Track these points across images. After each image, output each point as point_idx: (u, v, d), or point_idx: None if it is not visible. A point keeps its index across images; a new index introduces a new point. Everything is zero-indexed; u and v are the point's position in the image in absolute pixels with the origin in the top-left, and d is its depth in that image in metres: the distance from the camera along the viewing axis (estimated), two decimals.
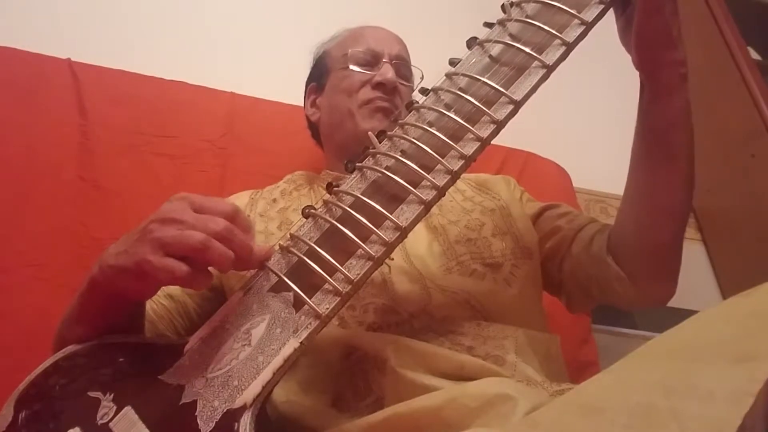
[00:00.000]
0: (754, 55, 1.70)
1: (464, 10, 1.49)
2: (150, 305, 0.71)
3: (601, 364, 1.09)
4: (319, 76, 0.95)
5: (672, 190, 0.66)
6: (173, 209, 0.50)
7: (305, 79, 0.99)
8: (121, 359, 0.53)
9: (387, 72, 0.84)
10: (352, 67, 0.86)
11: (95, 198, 0.99)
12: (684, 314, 0.40)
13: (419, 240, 0.72)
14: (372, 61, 0.87)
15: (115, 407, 0.49)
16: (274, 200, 0.84)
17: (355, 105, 0.84)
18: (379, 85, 0.84)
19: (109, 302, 0.54)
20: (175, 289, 0.75)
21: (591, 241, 0.75)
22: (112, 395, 0.50)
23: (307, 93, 0.98)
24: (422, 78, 0.92)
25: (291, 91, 1.05)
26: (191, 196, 0.52)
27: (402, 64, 0.89)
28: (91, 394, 0.50)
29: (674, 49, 0.59)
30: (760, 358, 0.32)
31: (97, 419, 0.49)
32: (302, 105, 0.98)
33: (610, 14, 0.55)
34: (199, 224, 0.49)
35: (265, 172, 1.02)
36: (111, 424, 0.48)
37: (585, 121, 1.55)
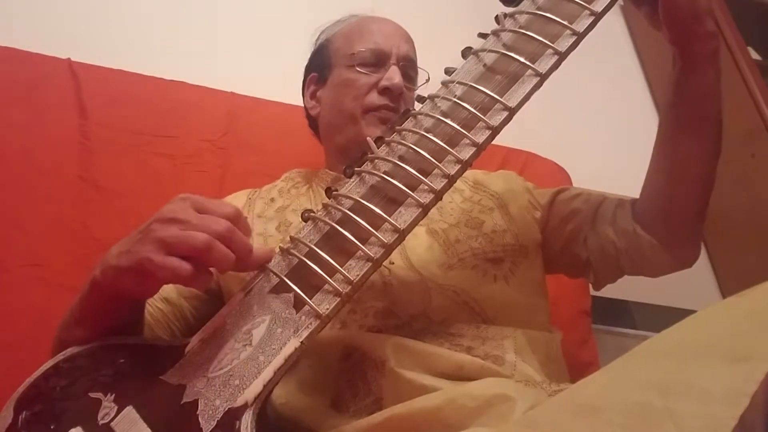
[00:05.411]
0: (754, 55, 1.70)
1: (464, 10, 1.50)
2: (147, 309, 0.70)
3: (601, 364, 1.09)
4: (320, 66, 0.91)
5: (705, 159, 0.68)
6: (175, 209, 0.50)
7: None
8: (121, 360, 0.53)
9: (394, 76, 0.81)
10: (358, 68, 0.83)
11: (95, 198, 0.99)
12: (683, 314, 0.40)
13: (420, 243, 0.72)
14: (379, 61, 0.84)
15: (116, 407, 0.49)
16: (272, 199, 0.83)
17: (359, 110, 0.82)
18: (385, 91, 0.81)
19: (110, 304, 0.54)
20: (171, 293, 0.75)
21: (614, 216, 0.76)
22: (113, 396, 0.50)
23: (307, 83, 0.94)
24: (428, 80, 0.89)
25: (291, 91, 1.04)
26: (193, 196, 0.52)
27: (409, 66, 0.86)
28: (92, 394, 0.50)
29: (703, 22, 0.61)
30: (757, 358, 0.32)
31: (99, 419, 0.49)
32: (302, 105, 0.96)
33: (603, 21, 0.56)
34: (201, 224, 0.49)
35: (265, 172, 1.01)
36: (112, 424, 0.49)
37: (585, 121, 1.55)
